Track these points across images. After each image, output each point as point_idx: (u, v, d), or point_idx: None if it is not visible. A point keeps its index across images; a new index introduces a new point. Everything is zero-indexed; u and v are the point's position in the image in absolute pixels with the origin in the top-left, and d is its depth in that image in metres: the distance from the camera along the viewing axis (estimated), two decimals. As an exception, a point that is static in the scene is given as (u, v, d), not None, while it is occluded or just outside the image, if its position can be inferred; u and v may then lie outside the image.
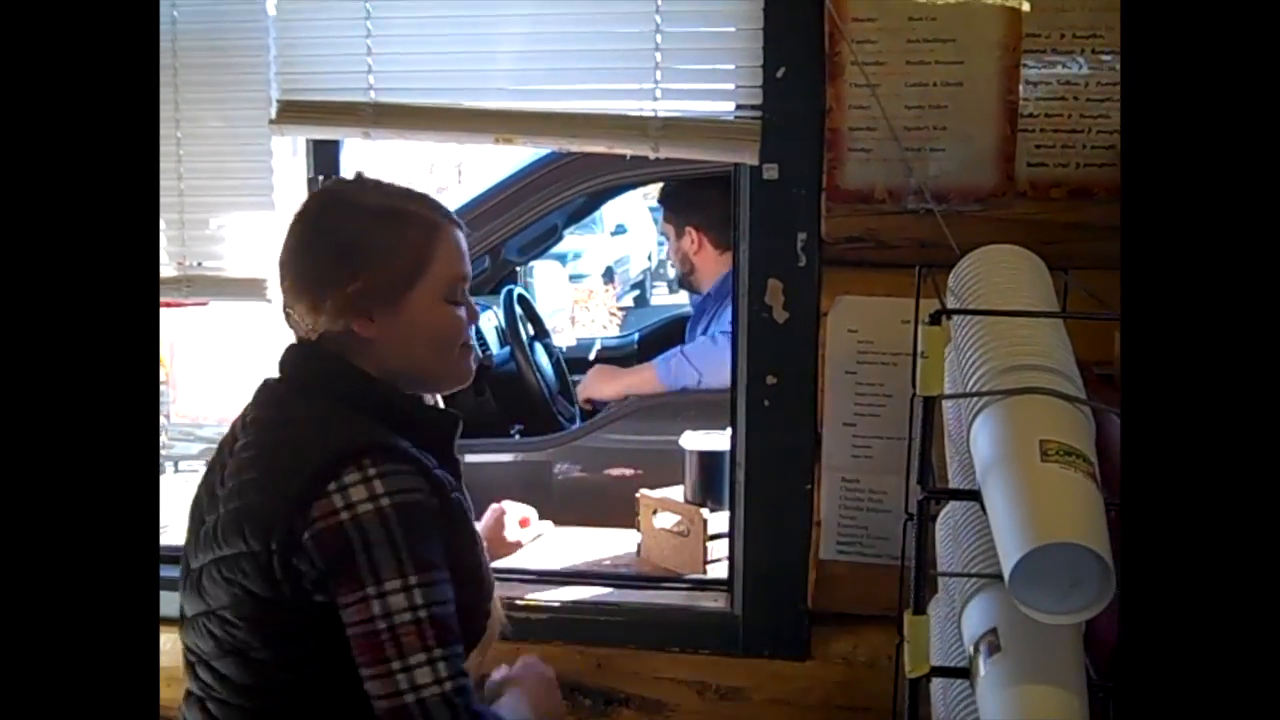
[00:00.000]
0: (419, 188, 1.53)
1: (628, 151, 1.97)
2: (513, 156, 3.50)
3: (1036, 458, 1.08)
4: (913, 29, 1.82)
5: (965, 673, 1.19)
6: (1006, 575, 1.01)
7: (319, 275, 1.42)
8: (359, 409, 1.38)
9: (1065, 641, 1.13)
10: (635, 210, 11.55)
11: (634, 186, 3.87)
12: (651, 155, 1.93)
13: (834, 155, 1.87)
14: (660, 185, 3.60)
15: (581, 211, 4.14)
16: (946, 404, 1.41)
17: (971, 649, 1.17)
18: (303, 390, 1.42)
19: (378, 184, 1.49)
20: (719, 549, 2.16)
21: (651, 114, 1.92)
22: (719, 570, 2.15)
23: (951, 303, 1.41)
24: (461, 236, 1.49)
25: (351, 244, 1.41)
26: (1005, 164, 1.84)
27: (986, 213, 1.84)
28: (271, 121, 2.02)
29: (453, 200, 3.87)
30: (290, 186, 2.09)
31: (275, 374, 1.47)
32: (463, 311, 1.48)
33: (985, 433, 1.15)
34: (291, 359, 1.46)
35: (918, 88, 1.83)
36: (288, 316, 1.47)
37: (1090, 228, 1.80)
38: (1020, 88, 1.82)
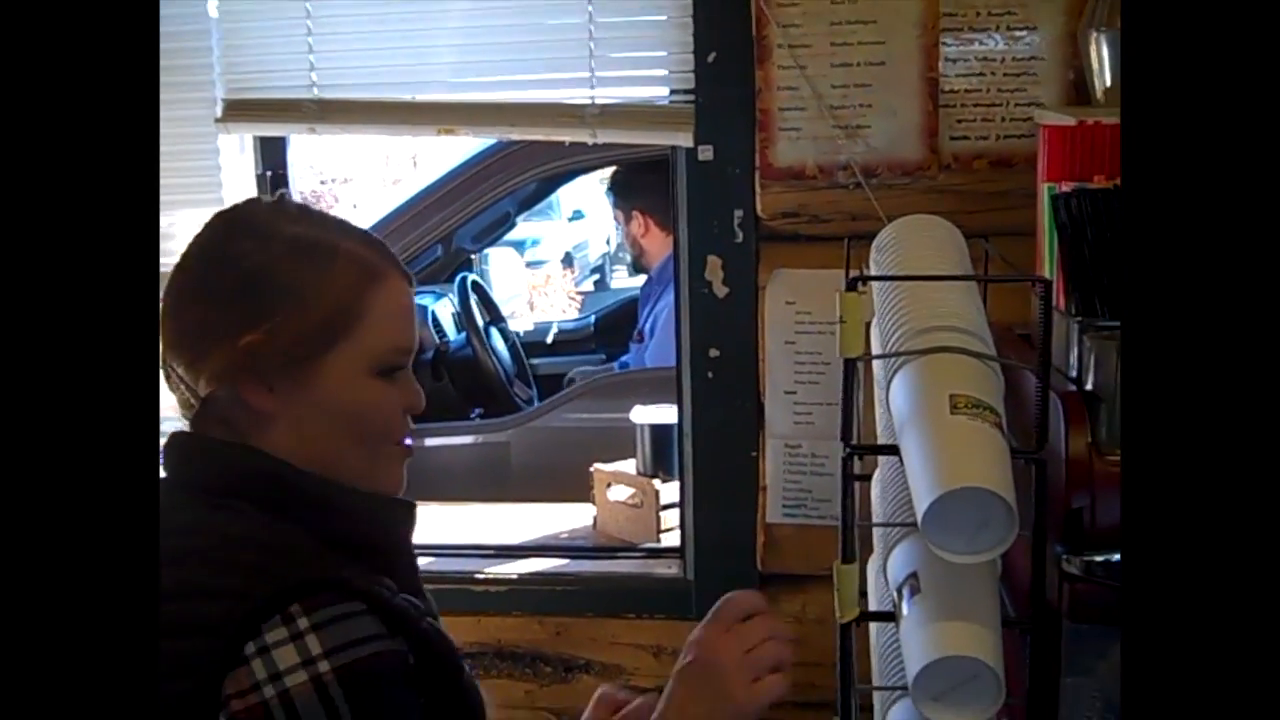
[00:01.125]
0: (361, 221, 1.21)
1: (567, 138, 2.04)
2: (465, 146, 3.56)
3: (946, 410, 1.15)
4: (835, 11, 1.90)
5: (892, 616, 1.27)
6: (920, 519, 1.09)
7: (206, 319, 1.06)
8: (282, 517, 1.02)
9: (981, 581, 1.21)
10: (593, 195, 11.52)
11: (584, 172, 3.94)
12: (590, 141, 2.01)
13: (765, 135, 1.94)
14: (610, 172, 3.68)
15: (534, 198, 4.20)
16: (875, 369, 1.49)
17: (895, 593, 1.25)
18: (205, 495, 1.04)
19: (304, 209, 1.14)
20: (671, 518, 2.24)
21: (589, 101, 1.98)
22: (672, 538, 2.23)
23: (873, 271, 1.49)
24: (409, 293, 1.12)
25: (255, 279, 1.06)
26: (929, 138, 1.92)
27: (913, 185, 1.93)
28: (217, 120, 2.07)
29: (405, 190, 3.92)
30: (238, 183, 2.14)
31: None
32: (396, 394, 1.10)
33: (901, 390, 1.23)
34: (179, 454, 1.08)
35: (843, 68, 1.91)
36: (168, 379, 1.10)
37: (1010, 196, 1.89)
38: (940, 65, 1.90)
